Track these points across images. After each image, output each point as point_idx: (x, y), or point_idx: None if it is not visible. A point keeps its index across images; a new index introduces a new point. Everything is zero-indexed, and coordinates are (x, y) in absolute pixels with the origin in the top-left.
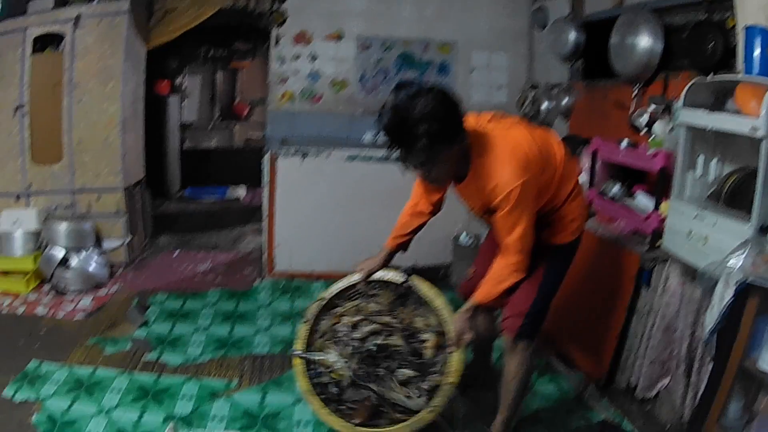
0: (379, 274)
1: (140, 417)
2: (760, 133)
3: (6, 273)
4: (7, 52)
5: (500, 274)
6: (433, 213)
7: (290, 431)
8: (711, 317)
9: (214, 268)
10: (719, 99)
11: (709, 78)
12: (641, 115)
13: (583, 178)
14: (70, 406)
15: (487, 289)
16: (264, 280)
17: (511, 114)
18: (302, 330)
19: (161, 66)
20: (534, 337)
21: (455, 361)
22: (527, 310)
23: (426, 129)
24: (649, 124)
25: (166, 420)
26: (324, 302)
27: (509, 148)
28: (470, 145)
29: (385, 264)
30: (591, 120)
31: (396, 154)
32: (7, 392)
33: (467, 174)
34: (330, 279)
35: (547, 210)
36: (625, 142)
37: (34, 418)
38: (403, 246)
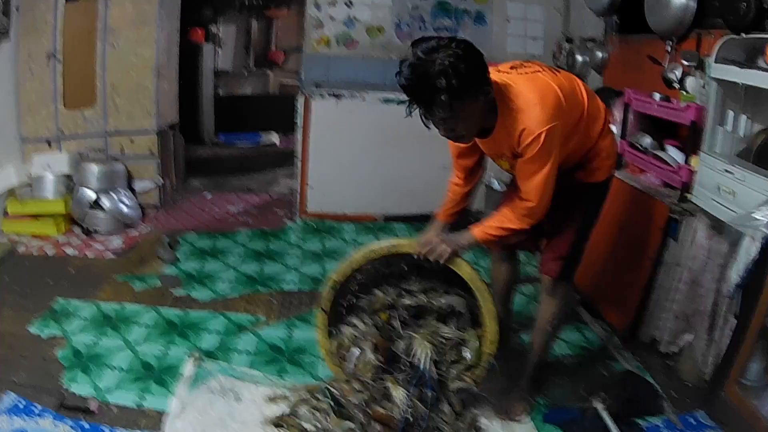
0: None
1: (166, 351)
2: None
3: (37, 216)
4: (40, 2)
5: (509, 215)
6: (469, 180)
7: (315, 366)
8: (736, 272)
9: (246, 209)
10: (750, 57)
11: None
12: (674, 69)
13: (615, 129)
14: (95, 341)
15: (488, 225)
16: (295, 221)
17: (531, 60)
18: (319, 318)
19: (196, 14)
20: (572, 279)
21: (490, 332)
22: (567, 253)
23: (446, 83)
24: (681, 80)
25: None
26: (337, 286)
27: (538, 92)
28: (495, 96)
29: None
30: (624, 74)
31: (417, 109)
32: (34, 329)
33: (494, 126)
34: (361, 221)
35: (583, 152)
36: (657, 96)
37: (59, 352)
38: (454, 218)
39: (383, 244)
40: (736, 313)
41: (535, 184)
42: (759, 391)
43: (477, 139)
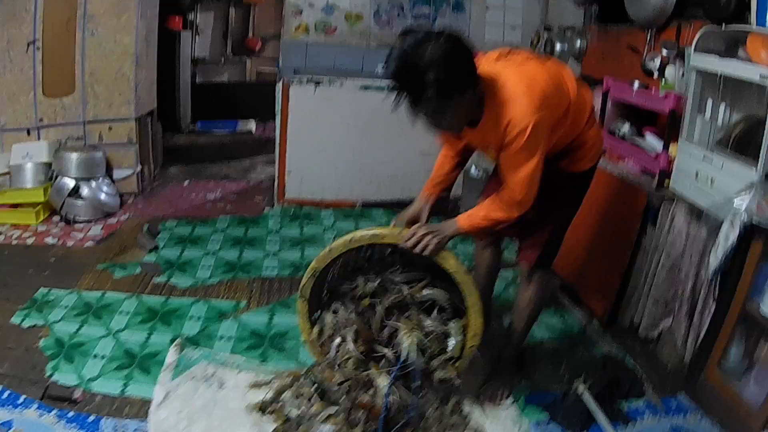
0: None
1: (148, 338)
2: None
3: (16, 205)
4: None
5: (496, 205)
6: (459, 156)
7: (297, 351)
8: (715, 257)
9: (225, 196)
10: (730, 48)
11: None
12: (653, 59)
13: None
14: (77, 330)
15: (475, 214)
16: (274, 208)
17: (518, 49)
18: (299, 306)
19: (174, 2)
20: (550, 266)
21: (475, 325)
22: (545, 240)
23: (435, 76)
24: (661, 69)
25: (173, 340)
26: (317, 273)
27: (525, 83)
28: (483, 89)
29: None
30: (604, 63)
31: (404, 102)
32: (16, 319)
33: (481, 118)
34: (340, 207)
35: (569, 141)
36: (636, 84)
37: (41, 342)
38: (438, 194)
39: (365, 233)
40: (716, 298)
41: (522, 176)
42: (739, 375)
43: (468, 132)
